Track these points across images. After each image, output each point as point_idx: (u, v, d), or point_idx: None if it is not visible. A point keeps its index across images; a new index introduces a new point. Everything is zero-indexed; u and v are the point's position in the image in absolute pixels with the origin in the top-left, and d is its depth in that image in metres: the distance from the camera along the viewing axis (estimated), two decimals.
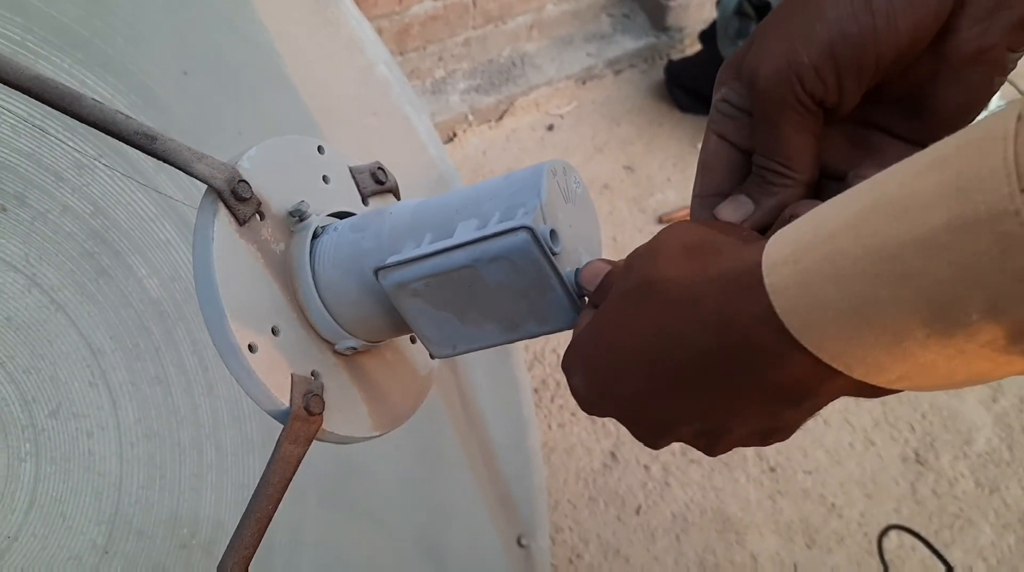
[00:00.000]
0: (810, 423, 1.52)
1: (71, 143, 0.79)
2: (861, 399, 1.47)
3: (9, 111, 0.74)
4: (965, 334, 0.24)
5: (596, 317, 0.35)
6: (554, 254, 0.37)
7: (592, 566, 1.24)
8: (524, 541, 1.07)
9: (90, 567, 0.74)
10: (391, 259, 0.39)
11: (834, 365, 0.27)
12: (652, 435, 0.36)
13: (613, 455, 1.42)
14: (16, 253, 0.74)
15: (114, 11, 0.87)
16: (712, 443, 0.35)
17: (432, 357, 0.50)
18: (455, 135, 2.14)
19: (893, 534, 1.32)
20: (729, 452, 0.37)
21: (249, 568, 0.41)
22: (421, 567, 1.00)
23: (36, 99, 0.41)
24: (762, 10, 2.13)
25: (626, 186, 2.06)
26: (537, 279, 0.37)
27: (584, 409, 0.37)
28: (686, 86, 2.31)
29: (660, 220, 1.95)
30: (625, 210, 1.99)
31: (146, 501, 0.79)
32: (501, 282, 0.37)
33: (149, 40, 0.90)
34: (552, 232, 0.37)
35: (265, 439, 0.90)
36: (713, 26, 2.23)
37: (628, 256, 0.35)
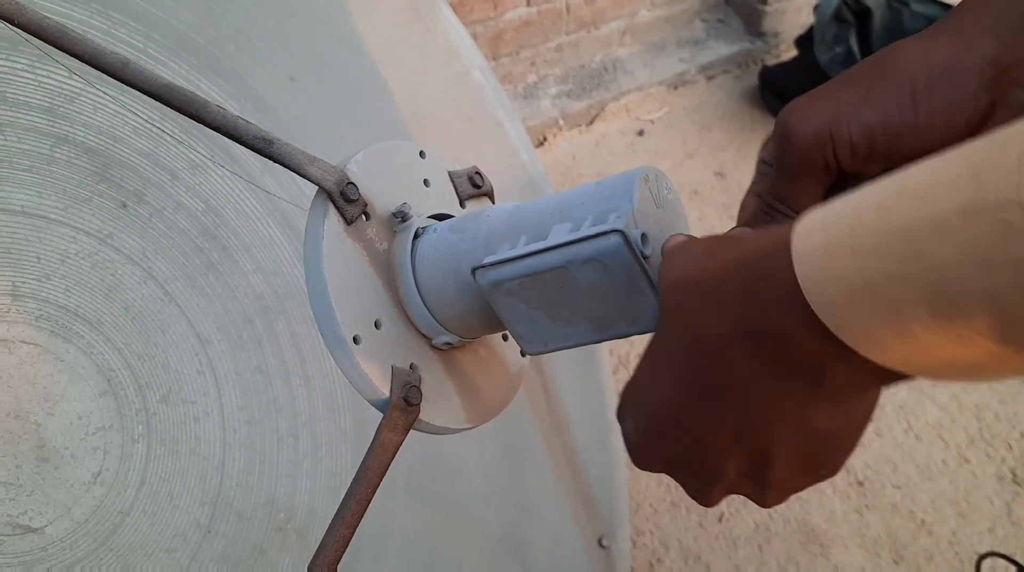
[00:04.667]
0: (901, 437, 1.49)
1: (186, 144, 0.83)
2: (956, 417, 1.42)
3: (133, 114, 0.78)
4: (963, 319, 0.25)
5: (642, 358, 0.37)
6: (645, 257, 0.38)
7: (672, 570, 1.25)
8: (605, 542, 1.08)
9: (194, 544, 0.78)
10: (487, 259, 0.41)
11: (841, 338, 0.28)
12: (702, 482, 0.37)
13: None
14: (134, 247, 0.78)
15: (227, 19, 0.92)
16: (761, 481, 0.36)
17: (523, 354, 0.52)
18: (545, 139, 2.16)
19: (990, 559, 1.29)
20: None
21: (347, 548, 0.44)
22: (504, 562, 1.02)
23: (166, 105, 0.44)
24: (862, 16, 2.09)
25: (716, 192, 2.05)
26: (628, 281, 0.38)
27: (635, 461, 0.39)
28: (781, 92, 2.28)
29: None
30: (715, 217, 1.98)
31: (246, 485, 0.83)
32: (592, 283, 0.39)
33: (259, 47, 0.94)
34: (643, 236, 0.38)
35: (358, 431, 0.93)
36: (810, 31, 2.19)
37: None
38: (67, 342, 0.74)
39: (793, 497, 1.37)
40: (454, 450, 1.01)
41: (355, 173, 0.45)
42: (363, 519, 0.88)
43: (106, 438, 0.75)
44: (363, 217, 0.45)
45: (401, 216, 0.47)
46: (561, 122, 2.17)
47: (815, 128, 0.38)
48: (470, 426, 0.48)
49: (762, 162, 0.42)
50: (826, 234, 0.28)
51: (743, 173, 2.10)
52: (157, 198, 0.81)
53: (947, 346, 0.26)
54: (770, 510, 1.35)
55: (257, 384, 0.87)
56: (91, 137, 0.77)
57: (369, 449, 0.43)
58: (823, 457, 0.35)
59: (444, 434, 0.47)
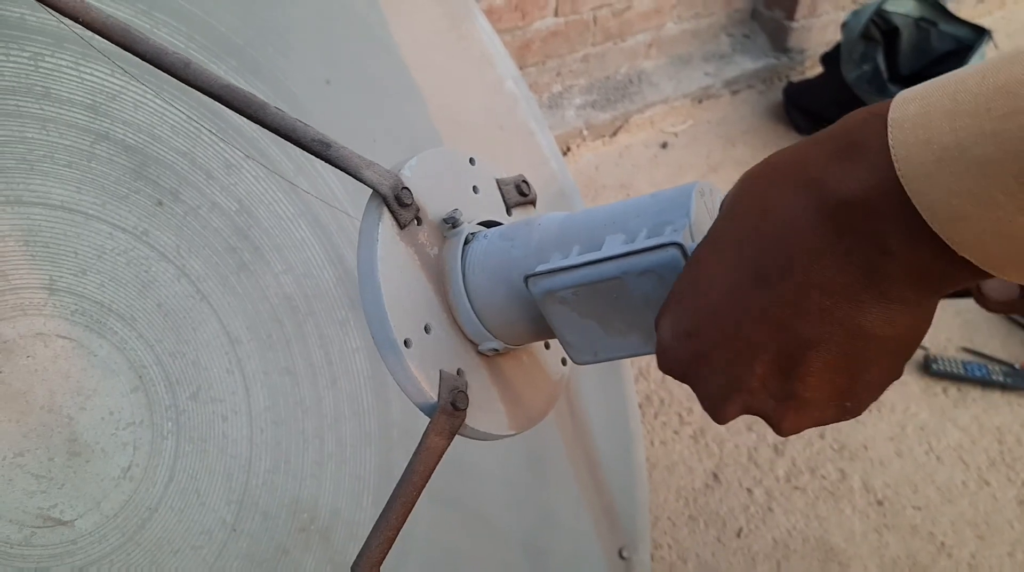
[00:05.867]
0: (922, 458, 1.48)
1: (222, 144, 0.84)
2: (977, 439, 1.41)
3: (171, 113, 0.79)
4: None
5: (691, 260, 0.36)
6: None
7: None
8: (625, 554, 1.08)
9: (219, 542, 0.78)
10: (541, 267, 0.42)
11: (919, 208, 0.28)
12: (723, 386, 0.36)
13: (715, 476, 1.41)
14: (169, 244, 0.79)
15: (266, 22, 0.93)
16: (785, 394, 0.34)
17: (564, 363, 0.52)
18: (569, 149, 2.17)
19: None
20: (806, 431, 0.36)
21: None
22: (524, 569, 1.02)
23: (226, 105, 0.45)
24: (890, 34, 2.08)
25: None
26: None
27: (661, 362, 0.38)
28: (805, 108, 2.28)
29: None
30: None
31: (271, 485, 0.83)
32: (647, 295, 0.39)
33: (297, 50, 0.95)
34: None
35: (382, 434, 0.93)
36: (836, 49, 2.19)
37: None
38: (101, 337, 0.74)
39: (812, 514, 1.37)
40: (478, 456, 1.01)
41: (408, 178, 0.46)
42: None
43: (136, 434, 0.75)
44: (415, 222, 0.46)
45: (452, 222, 0.47)
46: (585, 132, 2.17)
47: None
48: (513, 433, 0.48)
49: None
50: (925, 101, 0.28)
51: None
52: (192, 197, 0.82)
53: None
54: (789, 527, 1.34)
55: (284, 384, 0.88)
56: (130, 135, 0.77)
57: (415, 452, 0.43)
58: (855, 378, 0.34)
59: (488, 440, 0.47)
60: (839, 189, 0.30)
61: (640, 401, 1.52)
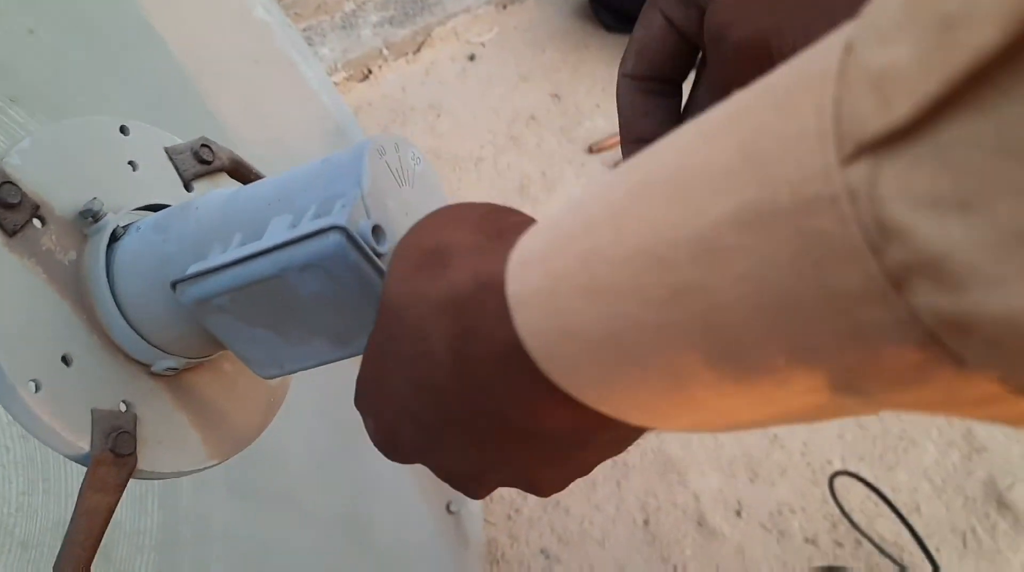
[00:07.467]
0: None
1: None
2: None
3: None
4: (771, 381, 0.16)
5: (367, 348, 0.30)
6: (379, 255, 0.30)
7: (531, 520, 1.21)
8: (454, 508, 1.03)
9: None
10: (190, 270, 0.32)
11: (602, 410, 0.21)
12: (465, 488, 0.31)
13: None
14: None
15: None
16: (532, 489, 0.29)
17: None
18: (370, 72, 2.03)
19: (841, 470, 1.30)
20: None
21: None
22: (346, 542, 0.95)
23: None
24: None
25: (553, 116, 1.98)
26: (360, 287, 0.30)
27: (380, 450, 0.32)
28: (611, 5, 2.21)
29: (590, 150, 1.88)
30: (554, 142, 1.91)
31: (28, 509, 0.73)
32: (317, 294, 0.30)
33: None
34: (376, 228, 0.30)
35: None
36: None
37: None
38: None
39: None
40: (278, 438, 0.92)
41: (18, 166, 0.35)
42: (177, 526, 0.77)
43: None
44: (36, 223, 0.35)
45: (91, 215, 0.36)
46: (385, 52, 2.04)
47: (751, 35, 0.31)
48: (215, 462, 0.39)
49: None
50: (550, 265, 0.20)
51: (579, 93, 2.04)
52: None
53: (757, 408, 0.18)
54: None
55: None
56: None
57: (72, 518, 0.34)
58: (578, 473, 0.30)
59: (179, 477, 0.38)
60: (482, 395, 0.24)
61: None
